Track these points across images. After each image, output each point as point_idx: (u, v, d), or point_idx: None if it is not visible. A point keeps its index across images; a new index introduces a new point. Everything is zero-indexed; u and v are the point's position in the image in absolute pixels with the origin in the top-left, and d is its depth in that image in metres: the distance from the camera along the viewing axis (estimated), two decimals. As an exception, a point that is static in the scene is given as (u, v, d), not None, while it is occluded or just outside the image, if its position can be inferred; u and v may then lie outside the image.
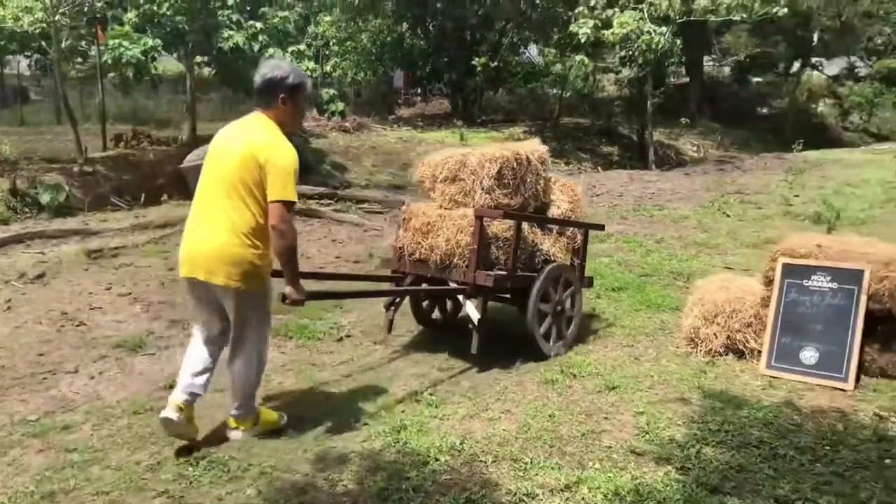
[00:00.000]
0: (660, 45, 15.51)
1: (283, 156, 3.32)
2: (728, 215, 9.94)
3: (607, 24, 16.39)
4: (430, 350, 5.08)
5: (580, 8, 17.25)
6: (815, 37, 24.92)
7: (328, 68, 20.45)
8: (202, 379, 3.54)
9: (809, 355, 4.19)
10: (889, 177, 12.79)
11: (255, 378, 3.66)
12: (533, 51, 24.61)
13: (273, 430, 3.71)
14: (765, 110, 28.41)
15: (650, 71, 17.72)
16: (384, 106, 22.51)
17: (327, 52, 20.94)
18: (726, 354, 4.55)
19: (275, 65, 3.54)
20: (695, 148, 22.42)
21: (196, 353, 3.58)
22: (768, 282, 4.49)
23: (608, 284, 6.35)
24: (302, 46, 13.44)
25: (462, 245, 4.57)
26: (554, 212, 5.11)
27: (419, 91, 25.43)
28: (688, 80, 26.60)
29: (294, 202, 3.34)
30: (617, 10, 16.69)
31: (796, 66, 27.43)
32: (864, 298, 4.10)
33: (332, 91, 14.05)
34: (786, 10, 15.74)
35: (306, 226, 9.16)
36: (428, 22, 21.41)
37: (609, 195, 11.85)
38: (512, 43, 21.08)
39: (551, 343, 4.77)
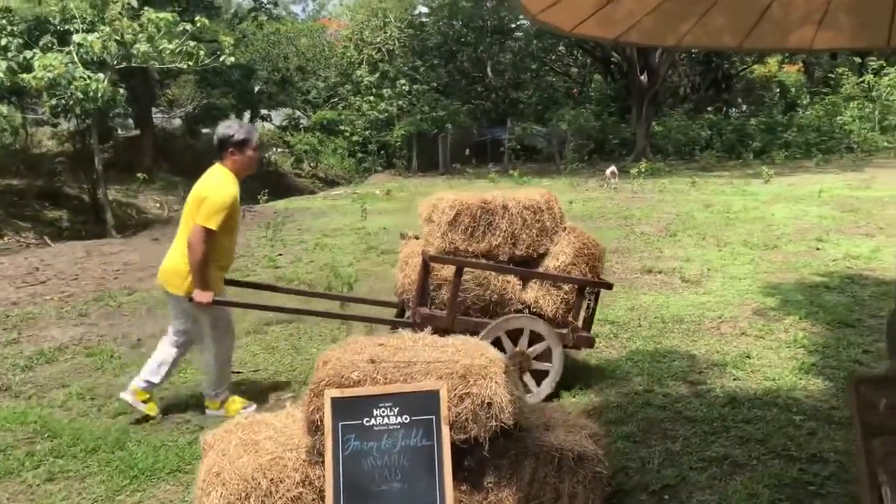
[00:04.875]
0: (99, 93, 13.33)
1: (217, 195, 4.31)
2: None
3: (28, 68, 13.52)
4: None
5: (-15, 47, 13.90)
6: (259, 88, 25.57)
7: None
8: (163, 371, 4.61)
9: (393, 530, 2.89)
10: (357, 223, 13.11)
11: (217, 369, 4.57)
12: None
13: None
14: (222, 161, 28.17)
15: (93, 122, 15.27)
16: None
17: None
18: (273, 553, 2.96)
19: (227, 125, 4.55)
20: (157, 204, 20.70)
21: (161, 349, 4.62)
22: (314, 428, 3.06)
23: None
24: None
25: (411, 283, 4.78)
26: (550, 263, 4.87)
27: None
28: (139, 132, 24.49)
29: (211, 229, 4.27)
30: (38, 51, 13.90)
31: (246, 116, 27.89)
32: (446, 431, 2.97)
33: None
34: (232, 58, 15.20)
35: None
36: None
37: (60, 280, 9.20)
38: None
39: None
